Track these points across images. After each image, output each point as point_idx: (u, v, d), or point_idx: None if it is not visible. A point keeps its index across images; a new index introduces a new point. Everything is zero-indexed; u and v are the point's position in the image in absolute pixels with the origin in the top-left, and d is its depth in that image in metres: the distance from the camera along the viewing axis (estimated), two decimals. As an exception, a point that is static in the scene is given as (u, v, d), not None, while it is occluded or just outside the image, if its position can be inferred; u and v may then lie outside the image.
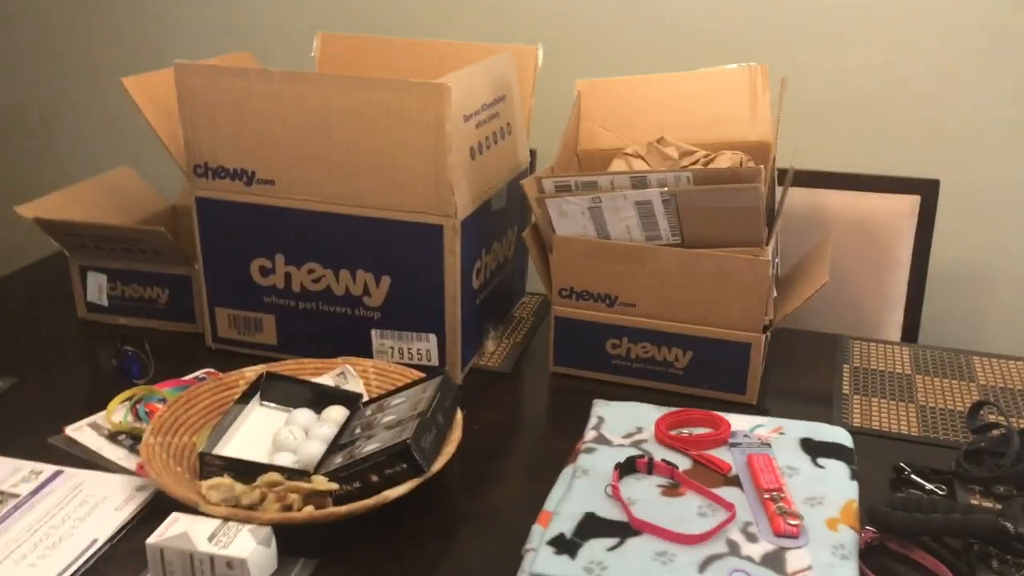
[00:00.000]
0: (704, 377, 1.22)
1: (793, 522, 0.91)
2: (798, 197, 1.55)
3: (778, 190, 1.31)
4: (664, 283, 1.19)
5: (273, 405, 1.12)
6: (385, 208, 1.18)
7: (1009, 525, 0.89)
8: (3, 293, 1.54)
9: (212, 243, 1.27)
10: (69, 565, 0.89)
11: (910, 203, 1.53)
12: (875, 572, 0.89)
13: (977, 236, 1.90)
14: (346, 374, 1.17)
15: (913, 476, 1.05)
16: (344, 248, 1.21)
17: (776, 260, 1.27)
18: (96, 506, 0.98)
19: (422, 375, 1.12)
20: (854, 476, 1.01)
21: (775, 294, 1.24)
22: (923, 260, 1.54)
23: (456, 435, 1.03)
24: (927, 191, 1.52)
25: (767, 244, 1.16)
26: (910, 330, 1.58)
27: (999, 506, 1.00)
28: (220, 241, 1.26)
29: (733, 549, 0.89)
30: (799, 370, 1.32)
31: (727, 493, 0.97)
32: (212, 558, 0.85)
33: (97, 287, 1.41)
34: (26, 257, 1.72)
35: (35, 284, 1.58)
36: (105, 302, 1.41)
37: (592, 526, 0.93)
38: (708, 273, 1.16)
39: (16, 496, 0.99)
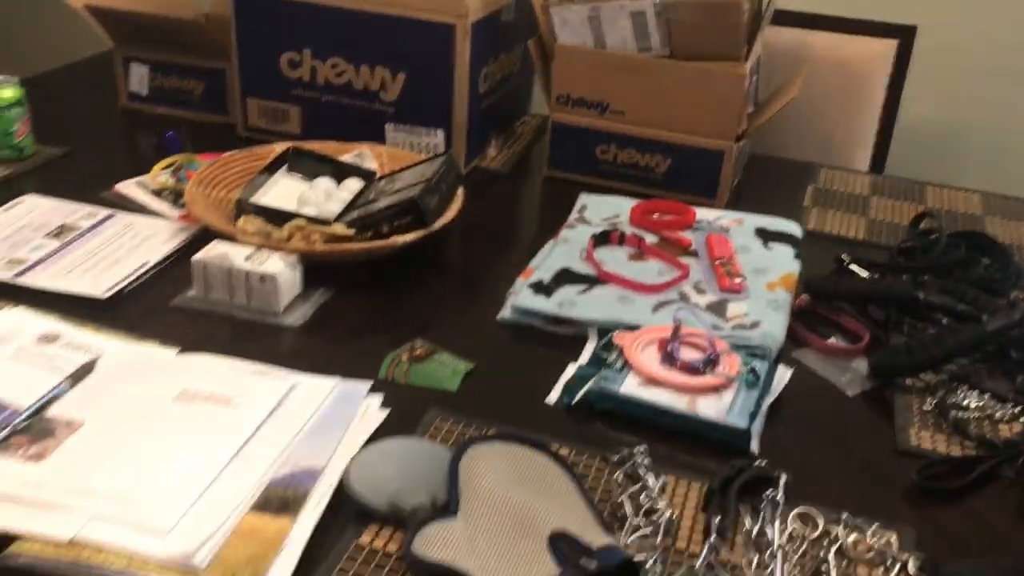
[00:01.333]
0: (681, 181, 1.37)
1: (737, 280, 1.08)
2: (784, 37, 1.67)
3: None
4: (652, 92, 1.32)
5: (298, 176, 1.27)
6: (404, 6, 1.30)
7: (920, 294, 1.05)
8: (52, 83, 1.68)
9: (246, 36, 1.40)
10: (126, 278, 1.06)
11: (888, 47, 1.65)
12: (806, 330, 1.06)
13: (950, 93, 2.03)
14: (363, 156, 1.32)
15: (851, 266, 1.21)
16: (365, 44, 1.35)
17: (755, 78, 1.41)
18: (146, 239, 1.14)
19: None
20: (798, 256, 1.17)
21: (751, 109, 1.37)
22: (895, 102, 1.67)
23: (457, 204, 1.18)
24: (904, 36, 1.64)
25: (745, 60, 1.29)
26: (876, 166, 1.72)
27: (919, 290, 1.16)
28: (253, 34, 1.40)
29: (683, 298, 1.06)
30: (768, 188, 1.47)
31: (685, 261, 1.13)
32: (247, 273, 1.02)
33: (139, 77, 1.54)
34: (72, 55, 1.85)
35: (81, 77, 1.72)
36: (145, 91, 1.55)
37: (566, 276, 1.09)
38: (690, 83, 1.30)
39: (77, 228, 1.15)
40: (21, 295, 1.01)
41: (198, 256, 1.03)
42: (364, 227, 1.11)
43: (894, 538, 0.77)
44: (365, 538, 0.74)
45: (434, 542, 0.71)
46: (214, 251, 1.04)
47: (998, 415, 0.93)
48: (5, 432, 0.79)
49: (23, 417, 0.81)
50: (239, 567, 0.68)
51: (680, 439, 0.88)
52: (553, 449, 0.82)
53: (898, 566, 0.74)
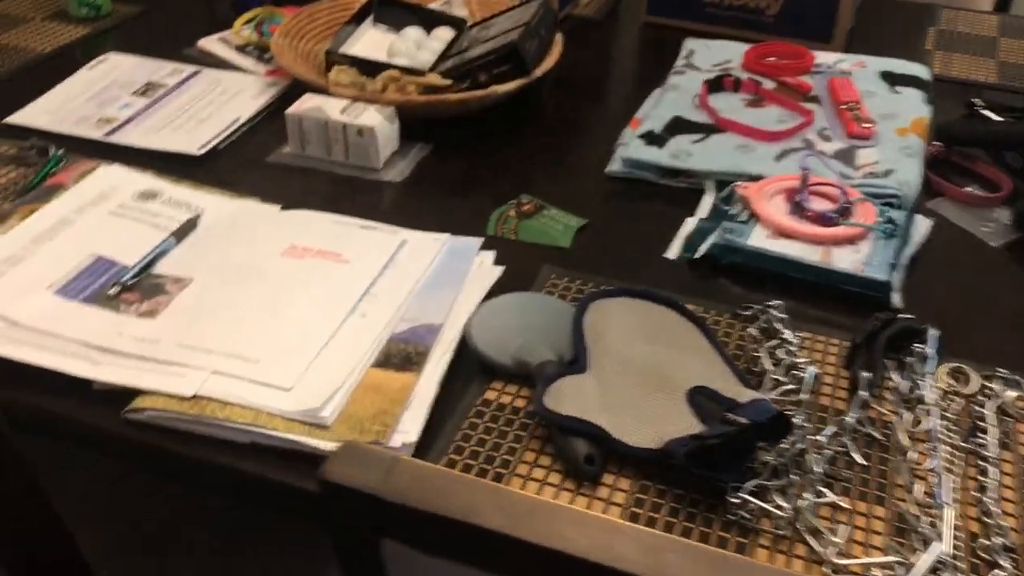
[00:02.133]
0: (793, 25, 1.26)
1: (866, 125, 0.99)
2: None
3: None
4: (763, -75, 1.21)
5: (384, 26, 1.20)
6: None
7: (1069, 136, 0.96)
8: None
9: None
10: (219, 134, 1.02)
11: None
12: (941, 179, 0.98)
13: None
14: (451, 3, 1.24)
15: (984, 111, 1.12)
16: None
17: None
18: (235, 95, 1.09)
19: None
20: (928, 101, 1.07)
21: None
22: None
23: (556, 51, 1.11)
24: None
25: None
26: (1002, 5, 1.58)
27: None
28: None
29: (808, 146, 0.98)
30: (886, 32, 1.35)
31: (807, 106, 1.05)
32: (344, 126, 0.97)
33: (210, -71, 1.46)
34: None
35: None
36: (218, -56, 1.47)
37: (679, 125, 1.02)
38: (808, -88, 1.18)
39: (164, 86, 1.11)
40: (114, 153, 0.98)
41: (292, 109, 0.98)
42: (460, 76, 1.04)
43: (1056, 394, 0.72)
44: (491, 394, 0.71)
45: (565, 397, 0.67)
46: (308, 104, 0.99)
47: None
48: (116, 288, 0.77)
49: (132, 273, 0.78)
50: (367, 421, 0.66)
51: (812, 294, 0.82)
52: (682, 304, 0.77)
53: (1064, 423, 0.69)
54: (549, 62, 1.08)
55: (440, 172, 1.00)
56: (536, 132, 1.08)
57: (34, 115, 1.05)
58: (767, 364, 0.73)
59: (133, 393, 0.68)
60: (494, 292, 0.80)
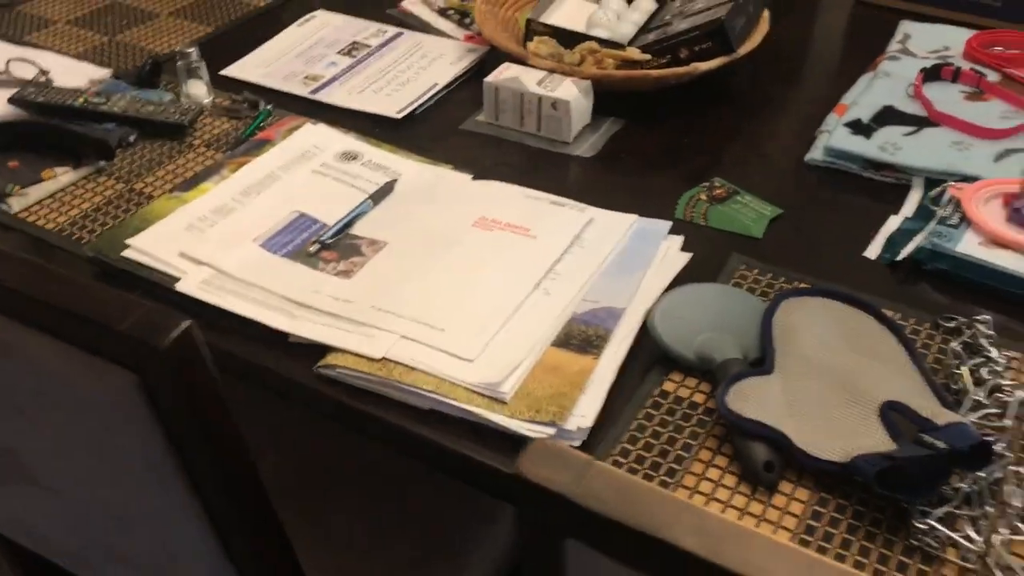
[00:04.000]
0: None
1: (1105, 128, 0.91)
2: None
3: None
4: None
5: (586, -5, 1.19)
6: None
7: None
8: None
9: None
10: (418, 98, 1.04)
11: None
12: None
13: None
14: (655, -27, 1.21)
15: None
16: None
17: None
18: (434, 60, 1.11)
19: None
20: None
21: None
22: None
23: (763, 28, 1.06)
24: None
25: None
26: None
27: None
28: None
29: (1034, 147, 0.91)
30: None
31: (1036, 103, 0.96)
32: (540, 98, 0.97)
33: None
34: None
35: None
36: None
37: (889, 115, 0.96)
38: None
39: (368, 46, 1.14)
40: (318, 111, 1.02)
41: (490, 79, 0.99)
42: (661, 51, 1.02)
43: None
44: (669, 385, 0.70)
45: (749, 398, 0.65)
46: (506, 74, 0.99)
47: None
48: (316, 247, 0.80)
49: (331, 232, 0.81)
50: (544, 401, 0.66)
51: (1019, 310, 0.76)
52: (881, 310, 0.73)
53: None
54: (755, 40, 1.04)
55: (632, 148, 0.98)
56: (733, 111, 1.05)
57: (246, 69, 1.10)
58: (969, 384, 0.68)
59: (326, 349, 0.71)
60: (680, 279, 0.79)
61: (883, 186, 0.91)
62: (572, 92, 0.96)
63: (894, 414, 0.63)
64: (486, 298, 0.75)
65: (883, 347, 0.70)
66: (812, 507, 0.61)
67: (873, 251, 0.83)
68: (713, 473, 0.64)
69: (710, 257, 0.82)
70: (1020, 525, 0.59)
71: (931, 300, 0.78)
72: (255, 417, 1.12)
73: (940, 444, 0.58)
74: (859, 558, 0.59)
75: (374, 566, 0.92)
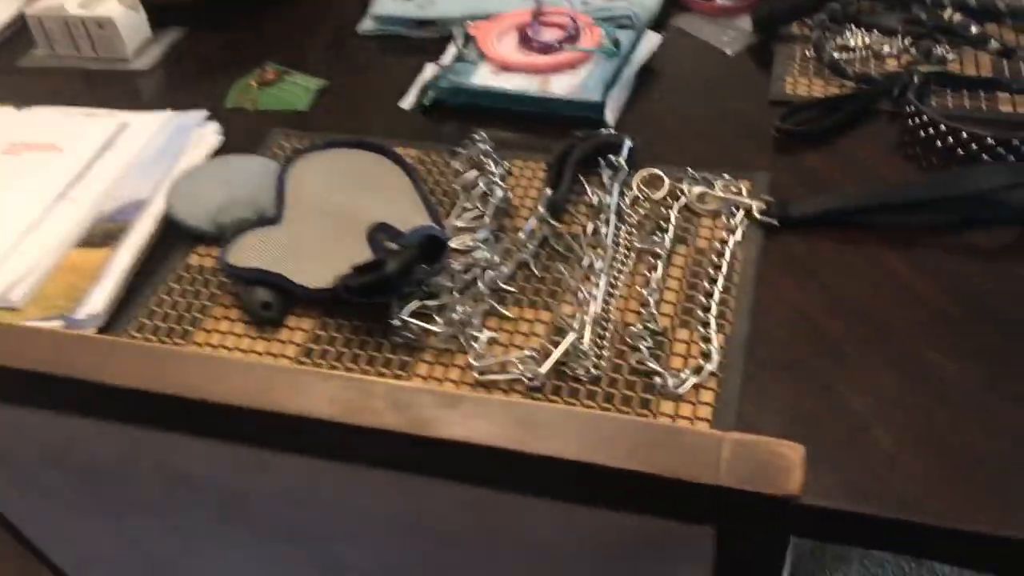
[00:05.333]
0: None
1: (609, -50, 0.98)
2: None
3: None
4: None
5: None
6: None
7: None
8: None
9: None
10: None
11: None
12: (689, -7, 0.97)
13: None
14: None
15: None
16: None
17: None
18: (-7, 6, 1.08)
19: None
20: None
21: None
22: None
23: (313, -84, 1.08)
24: None
25: None
26: None
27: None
28: None
29: (553, -21, 0.97)
30: None
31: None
32: (83, 20, 0.95)
33: None
34: None
35: None
36: None
37: (430, -25, 1.00)
38: None
39: None
40: None
41: (30, 10, 0.97)
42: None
43: (745, 187, 0.73)
44: (193, 259, 0.72)
45: (250, 249, 0.69)
46: (46, 2, 0.97)
47: (885, 50, 0.86)
48: None
49: None
50: (55, 298, 0.68)
51: (535, 124, 0.83)
52: (395, 150, 0.78)
53: (742, 212, 0.70)
54: (306, -71, 1.06)
55: (194, 54, 0.99)
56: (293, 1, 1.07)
57: None
58: (461, 194, 0.74)
59: None
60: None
61: (429, 42, 0.96)
62: (117, 9, 0.96)
63: (380, 234, 0.68)
64: (3, 217, 0.74)
65: (388, 180, 0.75)
66: (314, 332, 0.66)
67: (408, 101, 0.88)
68: (224, 326, 0.67)
69: (256, 139, 0.85)
70: (492, 304, 0.65)
71: (456, 134, 0.83)
72: None
73: (392, 245, 0.64)
74: (351, 365, 0.63)
75: None
